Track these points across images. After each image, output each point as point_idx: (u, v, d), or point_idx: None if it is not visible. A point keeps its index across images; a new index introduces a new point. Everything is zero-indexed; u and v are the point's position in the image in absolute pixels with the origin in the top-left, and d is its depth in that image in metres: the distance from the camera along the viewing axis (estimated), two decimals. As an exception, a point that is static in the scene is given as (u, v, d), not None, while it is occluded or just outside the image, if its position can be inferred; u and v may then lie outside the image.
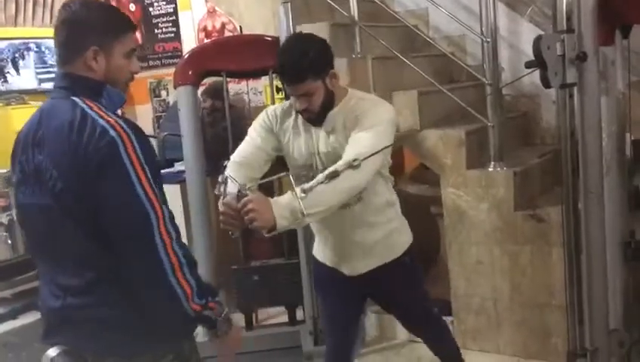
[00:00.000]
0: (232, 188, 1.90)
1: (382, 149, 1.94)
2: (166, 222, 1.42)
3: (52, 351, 1.46)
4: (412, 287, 2.36)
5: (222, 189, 1.94)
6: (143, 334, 1.47)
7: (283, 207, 1.79)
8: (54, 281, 1.53)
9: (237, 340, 1.61)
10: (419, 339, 3.26)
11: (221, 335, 1.55)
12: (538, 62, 1.91)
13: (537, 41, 1.91)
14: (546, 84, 1.94)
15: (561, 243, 2.28)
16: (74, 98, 1.47)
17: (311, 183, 1.84)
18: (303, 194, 1.80)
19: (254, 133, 2.20)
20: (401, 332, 3.41)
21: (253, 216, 1.77)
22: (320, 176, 1.87)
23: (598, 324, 2.13)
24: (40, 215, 1.50)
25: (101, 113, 1.44)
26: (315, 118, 2.08)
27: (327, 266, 2.30)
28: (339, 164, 1.88)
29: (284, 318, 3.65)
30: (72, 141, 1.40)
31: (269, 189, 3.45)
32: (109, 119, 1.43)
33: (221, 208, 1.90)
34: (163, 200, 1.45)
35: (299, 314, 3.57)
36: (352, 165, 1.86)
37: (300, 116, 2.13)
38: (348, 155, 1.91)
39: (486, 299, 3.15)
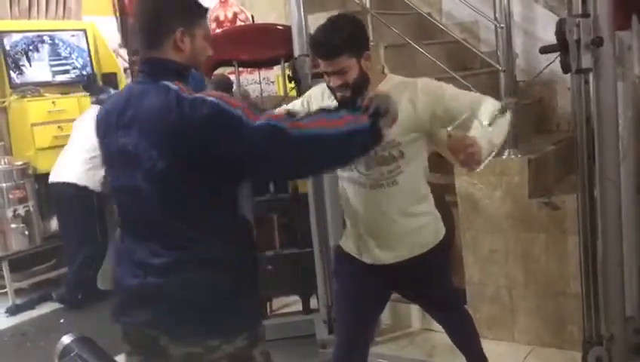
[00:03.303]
0: None
1: None
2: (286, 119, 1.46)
3: (66, 338, 1.48)
4: (439, 283, 2.33)
5: None
6: (220, 315, 1.51)
7: (482, 139, 1.85)
8: (134, 259, 1.56)
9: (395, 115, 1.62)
10: (433, 328, 3.27)
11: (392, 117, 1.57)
12: (560, 45, 1.89)
13: (561, 24, 1.87)
14: (567, 68, 1.91)
15: (576, 231, 2.26)
16: (165, 82, 1.50)
17: (489, 116, 1.91)
18: (490, 128, 1.87)
19: (297, 106, 2.29)
20: (416, 321, 3.41)
21: (476, 151, 1.81)
22: (492, 113, 1.92)
23: (614, 312, 2.12)
24: (128, 196, 1.56)
25: (193, 92, 1.48)
26: (350, 97, 2.07)
27: (352, 257, 2.26)
28: (496, 107, 1.94)
29: (299, 307, 3.67)
30: (172, 121, 1.44)
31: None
32: (202, 93, 1.47)
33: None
34: None
35: (313, 303, 3.58)
36: (504, 106, 1.94)
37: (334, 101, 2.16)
38: (469, 106, 1.98)
39: (500, 288, 3.13)
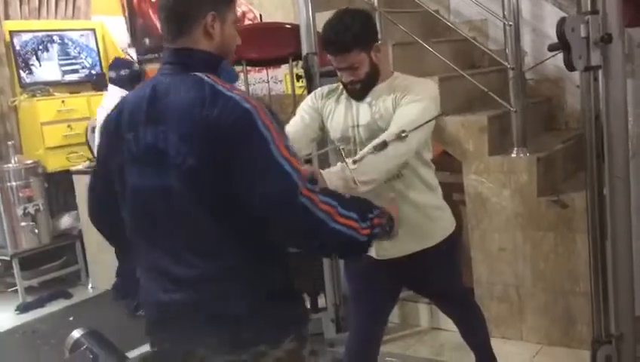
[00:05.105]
0: None
1: (427, 122, 1.99)
2: (305, 182, 1.36)
3: (76, 332, 1.48)
4: (448, 277, 2.34)
5: None
6: (260, 322, 1.43)
7: (335, 176, 1.83)
8: (163, 273, 1.45)
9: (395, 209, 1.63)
10: (442, 327, 3.27)
11: (394, 235, 1.58)
12: (562, 44, 1.89)
13: (561, 23, 1.88)
14: (570, 66, 1.91)
15: (585, 229, 2.25)
16: (196, 73, 1.41)
17: (361, 153, 1.90)
18: (353, 166, 1.84)
19: (302, 111, 2.28)
20: (424, 320, 3.41)
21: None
22: (369, 147, 1.91)
23: (624, 310, 2.11)
24: (155, 197, 1.42)
25: (228, 87, 1.39)
26: (360, 90, 2.13)
27: None
28: (387, 135, 1.92)
29: (306, 306, 3.67)
30: (203, 115, 1.34)
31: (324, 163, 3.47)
32: (240, 93, 1.38)
33: None
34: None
35: (321, 302, 3.58)
36: (400, 136, 1.90)
37: (343, 92, 2.19)
38: (396, 127, 1.96)
39: (509, 286, 3.13)
